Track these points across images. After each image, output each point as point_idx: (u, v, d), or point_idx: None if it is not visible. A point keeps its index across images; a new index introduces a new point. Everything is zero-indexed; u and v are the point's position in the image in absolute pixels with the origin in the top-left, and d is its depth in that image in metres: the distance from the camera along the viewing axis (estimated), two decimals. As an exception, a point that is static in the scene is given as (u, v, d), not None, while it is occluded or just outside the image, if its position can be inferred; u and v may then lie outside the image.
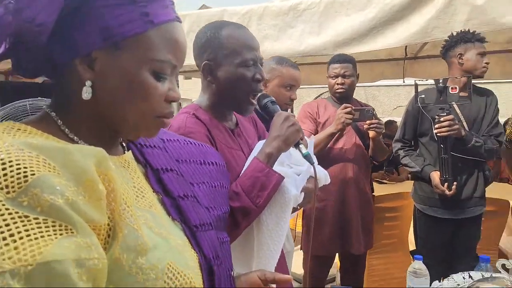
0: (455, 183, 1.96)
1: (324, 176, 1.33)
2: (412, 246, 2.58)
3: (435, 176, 2.02)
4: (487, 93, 2.08)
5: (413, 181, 2.29)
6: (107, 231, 0.50)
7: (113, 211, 0.51)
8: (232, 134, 1.16)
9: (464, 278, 1.17)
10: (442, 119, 1.89)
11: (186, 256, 0.61)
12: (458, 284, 1.14)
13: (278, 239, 1.03)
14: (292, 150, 1.18)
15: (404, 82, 4.87)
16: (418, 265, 1.36)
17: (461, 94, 1.96)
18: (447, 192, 1.96)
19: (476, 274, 1.16)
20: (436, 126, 1.91)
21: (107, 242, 0.50)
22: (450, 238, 2.04)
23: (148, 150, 0.70)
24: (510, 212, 2.65)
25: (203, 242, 0.66)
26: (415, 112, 2.14)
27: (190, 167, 0.77)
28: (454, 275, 1.18)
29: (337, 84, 2.14)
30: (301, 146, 1.06)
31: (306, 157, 1.04)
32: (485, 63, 1.99)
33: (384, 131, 2.36)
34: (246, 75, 1.07)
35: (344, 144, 2.14)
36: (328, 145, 2.10)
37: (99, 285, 0.47)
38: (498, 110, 2.06)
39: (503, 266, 1.03)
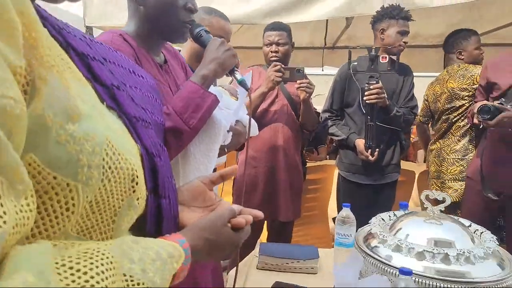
0: (377, 150, 2.09)
1: (254, 128, 1.32)
2: (334, 215, 2.71)
3: (360, 143, 2.13)
4: (405, 69, 2.25)
5: (331, 160, 2.42)
6: (23, 85, 0.38)
7: (33, 60, 0.39)
8: (160, 68, 1.10)
9: (389, 216, 1.24)
10: (372, 86, 2.00)
11: (126, 142, 0.52)
12: (385, 221, 1.20)
13: (205, 173, 0.98)
14: (224, 95, 1.16)
15: (323, 71, 5.13)
16: (345, 212, 1.41)
17: (388, 68, 2.10)
18: (370, 158, 2.08)
19: (399, 212, 1.23)
20: (366, 93, 2.02)
21: (24, 100, 0.39)
22: (370, 202, 2.18)
23: (70, 35, 0.58)
24: (415, 182, 2.94)
25: (144, 136, 0.58)
26: (343, 82, 2.24)
27: (118, 70, 0.67)
28: (381, 214, 1.24)
29: (272, 51, 2.14)
30: (236, 73, 1.03)
31: (241, 83, 1.02)
32: (404, 41, 2.15)
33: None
34: (177, 2, 1.02)
35: (275, 111, 2.15)
36: (259, 112, 2.09)
37: (15, 142, 0.36)
38: (413, 84, 2.24)
39: (427, 197, 1.10)
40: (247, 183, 2.12)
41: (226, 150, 1.17)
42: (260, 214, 0.69)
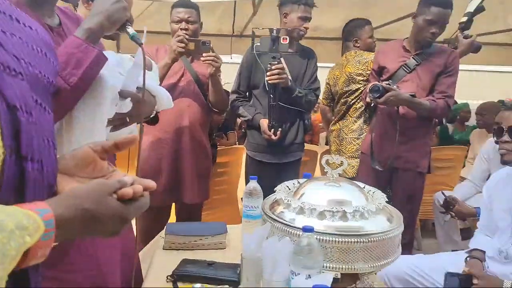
0: (280, 129, 2.15)
1: (167, 99, 1.25)
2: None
3: (264, 122, 2.18)
4: (309, 52, 2.34)
5: (240, 145, 2.43)
6: None
7: None
8: (51, 31, 0.97)
9: (294, 184, 1.28)
10: (273, 67, 2.04)
11: None
12: (290, 188, 1.24)
13: (91, 139, 0.89)
14: (125, 60, 1.07)
15: (231, 58, 5.15)
16: (253, 185, 1.43)
17: (289, 49, 2.17)
18: (273, 137, 2.13)
19: (303, 180, 1.28)
20: (268, 73, 2.05)
21: None
22: (275, 180, 2.24)
23: None
24: (318, 161, 3.13)
25: (6, 85, 0.48)
26: (249, 64, 2.26)
27: None
28: (285, 182, 1.27)
29: (181, 29, 2.05)
30: (128, 27, 0.95)
31: (133, 37, 0.94)
32: (304, 27, 2.24)
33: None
34: None
35: (181, 91, 2.07)
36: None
37: None
38: (317, 67, 2.35)
39: (327, 162, 1.16)
40: (151, 165, 2.02)
41: (128, 120, 1.07)
42: (152, 184, 0.60)
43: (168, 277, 1.19)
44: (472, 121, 4.26)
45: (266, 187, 1.33)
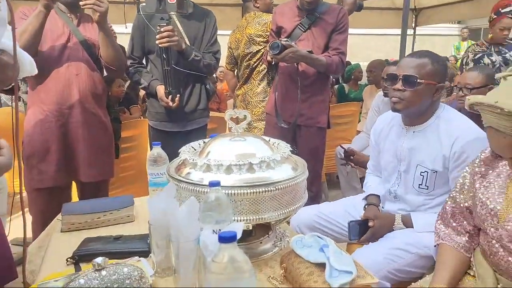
0: (178, 95, 2.06)
1: (29, 65, 1.09)
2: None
3: (161, 89, 2.06)
4: (207, 13, 2.24)
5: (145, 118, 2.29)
6: None
7: None
8: None
9: (199, 144, 1.24)
10: (162, 29, 1.92)
11: None
12: (195, 149, 1.19)
13: None
14: None
15: (126, 28, 4.78)
16: (157, 151, 1.35)
17: (178, 9, 2.05)
18: (171, 104, 2.04)
19: (208, 139, 1.24)
20: (157, 36, 1.92)
21: None
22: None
23: None
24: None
25: None
26: (140, 27, 2.10)
27: None
28: (190, 143, 1.22)
29: None
30: None
31: None
32: None
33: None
34: None
35: (68, 58, 1.83)
36: (45, 56, 1.75)
37: None
38: (216, 29, 2.27)
39: (231, 117, 1.13)
40: (38, 141, 1.79)
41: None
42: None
43: (68, 259, 1.08)
44: (364, 80, 4.63)
45: (173, 158, 1.26)
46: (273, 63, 2.21)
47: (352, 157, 2.40)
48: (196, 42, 2.17)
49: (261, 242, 1.16)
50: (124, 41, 2.26)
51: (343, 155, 2.47)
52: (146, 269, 0.96)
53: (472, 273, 1.13)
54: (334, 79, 4.86)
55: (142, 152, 2.84)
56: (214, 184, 0.89)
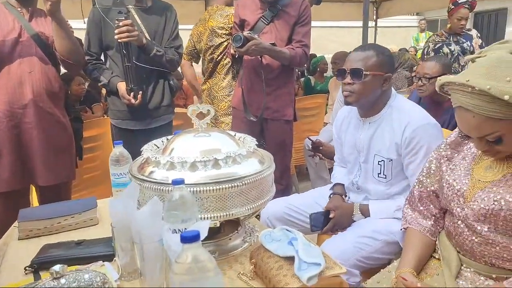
0: (140, 92, 1.99)
1: None
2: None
3: (122, 86, 1.99)
4: (167, 7, 2.17)
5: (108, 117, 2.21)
6: None
7: None
8: None
9: (162, 141, 1.20)
10: (121, 23, 1.84)
11: None
12: (158, 146, 1.16)
13: None
14: None
15: (85, 23, 4.59)
16: (118, 150, 1.30)
17: (136, 2, 1.98)
18: (133, 101, 1.97)
19: (172, 136, 1.21)
20: (116, 31, 1.85)
21: None
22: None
23: None
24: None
25: None
26: (96, 20, 2.01)
27: None
28: (153, 141, 1.19)
29: None
30: None
31: None
32: None
33: None
34: None
35: (20, 55, 1.72)
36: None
37: None
38: (177, 23, 2.20)
39: (193, 112, 1.10)
40: None
41: None
42: None
43: (27, 268, 1.02)
44: (330, 72, 4.69)
45: (137, 157, 1.21)
46: (236, 56, 2.18)
47: (320, 149, 2.43)
48: (156, 37, 2.10)
49: (230, 239, 1.14)
50: (82, 37, 2.16)
51: (311, 147, 2.49)
52: (110, 274, 0.93)
53: (437, 256, 1.17)
54: (299, 72, 4.90)
55: (107, 152, 2.74)
56: (177, 182, 0.86)
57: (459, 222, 1.07)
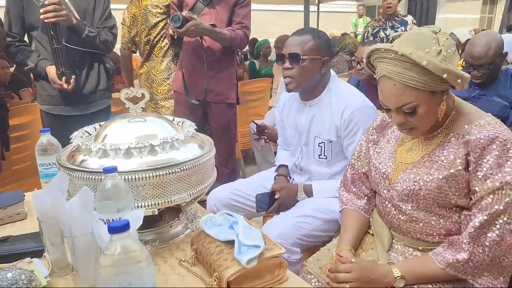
0: (73, 76, 1.86)
1: None
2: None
3: (51, 70, 1.84)
4: None
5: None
6: None
7: None
8: None
9: (95, 128, 1.13)
10: (46, 2, 1.69)
11: None
12: (90, 133, 1.09)
13: None
14: None
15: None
16: (46, 139, 1.21)
17: None
18: (65, 86, 1.84)
19: (105, 122, 1.14)
20: (41, 10, 1.69)
21: None
22: None
23: None
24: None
25: None
26: None
27: None
28: (85, 128, 1.11)
29: None
30: None
31: None
32: None
33: None
34: None
35: None
36: None
37: None
38: (109, 2, 2.06)
39: (127, 96, 1.05)
40: None
41: None
42: None
43: None
44: (273, 55, 4.71)
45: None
46: (175, 37, 2.10)
47: (265, 132, 2.44)
48: (87, 16, 1.96)
49: (171, 226, 1.11)
50: (1, 15, 1.96)
51: (256, 130, 2.50)
52: (39, 271, 0.86)
53: (371, 232, 1.23)
54: (242, 56, 4.87)
55: (36, 141, 2.55)
56: (109, 170, 0.81)
57: (387, 202, 1.13)
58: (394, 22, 3.58)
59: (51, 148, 1.20)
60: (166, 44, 2.47)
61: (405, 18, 3.63)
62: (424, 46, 0.93)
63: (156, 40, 2.47)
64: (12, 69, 3.39)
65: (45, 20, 1.71)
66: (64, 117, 1.96)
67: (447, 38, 0.93)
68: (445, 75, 0.91)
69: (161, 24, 2.42)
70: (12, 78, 3.31)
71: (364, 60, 1.05)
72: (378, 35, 3.59)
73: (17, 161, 2.39)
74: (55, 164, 1.20)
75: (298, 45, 1.47)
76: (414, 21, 3.68)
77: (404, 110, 0.98)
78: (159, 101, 2.54)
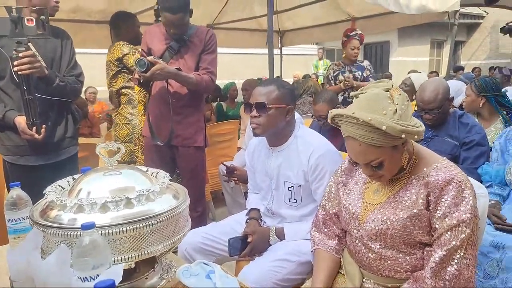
0: (44, 126, 1.85)
1: None
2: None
3: (21, 120, 1.81)
4: (62, 33, 2.05)
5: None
6: None
7: None
8: None
9: (68, 182, 1.13)
10: (21, 54, 1.70)
11: None
12: (64, 187, 1.09)
13: None
14: None
15: None
16: (16, 193, 1.18)
17: (38, 31, 1.85)
18: (36, 136, 1.82)
19: (83, 171, 1.15)
20: (16, 62, 1.69)
21: None
22: (51, 183, 1.94)
23: None
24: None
25: None
26: None
27: None
28: (57, 182, 1.11)
29: None
30: None
31: None
32: (55, 1, 1.96)
33: None
34: None
35: None
36: None
37: None
38: (74, 50, 2.09)
39: (102, 150, 1.07)
40: None
41: None
42: None
43: None
44: (240, 97, 4.85)
45: (40, 193, 1.11)
46: (141, 81, 2.14)
47: (234, 173, 2.48)
48: (54, 65, 1.97)
49: (146, 278, 1.11)
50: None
51: (225, 172, 2.54)
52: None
53: (342, 272, 1.28)
54: (210, 99, 5.00)
55: (-2, 190, 2.44)
56: (87, 226, 0.82)
57: (357, 241, 1.20)
58: (351, 67, 3.84)
59: (20, 203, 1.17)
60: (128, 93, 2.73)
61: (361, 64, 3.92)
62: (381, 108, 1.03)
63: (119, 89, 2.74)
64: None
65: (19, 72, 1.70)
66: (31, 167, 1.91)
67: (400, 94, 1.05)
68: (403, 135, 1.02)
69: (119, 75, 2.72)
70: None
71: (329, 121, 1.15)
72: (337, 78, 3.83)
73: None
74: (25, 219, 1.18)
75: (264, 95, 1.57)
76: (370, 65, 3.97)
77: (372, 165, 1.08)
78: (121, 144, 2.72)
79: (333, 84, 3.84)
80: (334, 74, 3.86)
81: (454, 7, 3.84)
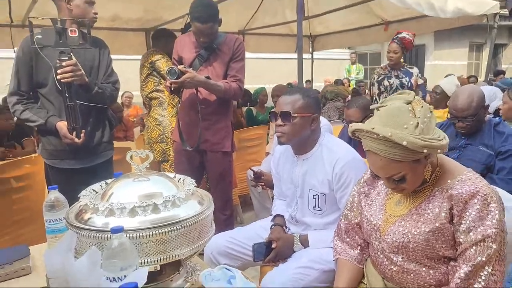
0: (83, 130, 1.96)
1: None
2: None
3: (62, 126, 1.93)
4: (101, 43, 2.17)
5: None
6: None
7: None
8: None
9: (101, 186, 1.20)
10: (64, 63, 1.82)
11: None
12: (97, 191, 1.16)
13: None
14: None
15: (15, 52, 4.39)
16: (54, 195, 1.27)
17: (80, 42, 1.96)
18: (76, 140, 1.93)
19: (111, 180, 1.21)
20: (59, 71, 1.81)
21: None
22: (88, 185, 2.05)
23: None
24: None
25: None
26: (27, 59, 1.94)
27: None
28: (91, 186, 1.18)
29: None
30: None
31: None
32: (94, 13, 2.07)
33: None
34: None
35: None
36: None
37: None
38: (111, 58, 2.20)
39: (132, 157, 1.13)
40: None
41: None
42: None
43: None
44: (270, 102, 4.88)
45: (77, 195, 1.18)
46: (172, 89, 2.22)
47: (261, 178, 2.51)
48: (92, 73, 2.08)
49: (171, 280, 1.15)
50: (9, 66, 2.07)
51: (253, 177, 2.57)
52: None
53: (365, 282, 1.27)
54: (239, 101, 5.09)
55: (39, 191, 2.60)
56: (116, 230, 0.88)
57: (379, 253, 1.19)
58: (399, 72, 3.71)
59: (58, 205, 1.26)
60: (159, 96, 2.94)
61: (410, 70, 3.75)
62: (402, 122, 1.01)
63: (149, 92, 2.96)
64: (15, 119, 3.51)
65: (62, 80, 1.82)
66: (69, 170, 2.02)
67: (422, 106, 1.03)
68: (425, 150, 1.00)
69: (149, 79, 2.93)
70: (16, 128, 3.42)
71: (350, 134, 1.15)
72: (382, 83, 3.72)
73: (17, 211, 2.43)
74: (61, 220, 1.26)
75: (289, 103, 1.58)
76: (420, 74, 3.81)
77: (394, 179, 1.07)
78: (152, 145, 2.98)
79: (375, 89, 3.72)
80: (379, 79, 3.74)
81: (492, 10, 3.70)
